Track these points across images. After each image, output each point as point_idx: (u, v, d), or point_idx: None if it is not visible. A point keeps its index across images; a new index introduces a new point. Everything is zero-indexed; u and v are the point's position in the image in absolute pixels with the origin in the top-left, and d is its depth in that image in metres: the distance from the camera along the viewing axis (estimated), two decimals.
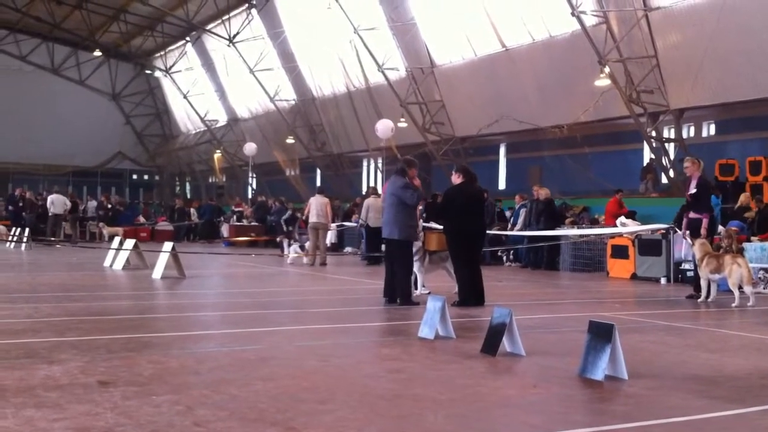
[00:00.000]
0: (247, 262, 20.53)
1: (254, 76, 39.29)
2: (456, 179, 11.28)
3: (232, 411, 4.76)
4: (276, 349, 7.21)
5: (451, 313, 8.12)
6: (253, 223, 30.34)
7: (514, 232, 19.67)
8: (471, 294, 10.73)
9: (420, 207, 11.69)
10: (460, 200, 10.98)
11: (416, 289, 11.79)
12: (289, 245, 20.98)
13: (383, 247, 11.52)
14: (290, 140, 39.48)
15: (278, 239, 22.78)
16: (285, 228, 24.17)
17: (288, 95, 39.29)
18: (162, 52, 49.08)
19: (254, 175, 43.76)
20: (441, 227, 12.25)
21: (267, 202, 31.28)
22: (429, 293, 11.11)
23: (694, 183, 12.31)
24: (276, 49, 38.14)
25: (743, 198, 16.65)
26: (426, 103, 30.47)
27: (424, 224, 14.23)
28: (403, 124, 29.70)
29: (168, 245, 15.36)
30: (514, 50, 26.39)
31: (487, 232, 12.26)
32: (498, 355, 6.80)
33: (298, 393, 5.32)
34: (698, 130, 24.38)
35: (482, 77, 27.83)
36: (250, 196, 40.28)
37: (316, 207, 19.25)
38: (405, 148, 30.61)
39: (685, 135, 23.92)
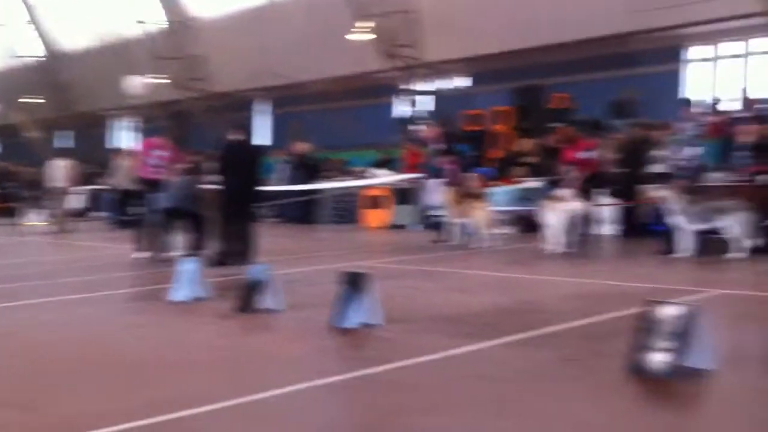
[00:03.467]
0: None
1: None
2: (231, 136, 11.07)
3: None
4: (17, 325, 6.71)
5: (208, 273, 7.96)
6: None
7: (276, 188, 19.65)
8: (230, 252, 10.58)
9: None
10: (233, 156, 10.80)
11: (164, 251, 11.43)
12: (33, 212, 19.54)
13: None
14: (33, 99, 36.64)
15: (17, 206, 21.08)
16: (25, 194, 22.35)
17: (32, 51, 36.36)
18: None
19: None
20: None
21: (8, 167, 28.84)
22: (184, 254, 10.81)
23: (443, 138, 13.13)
24: None
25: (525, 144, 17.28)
26: (184, 57, 29.49)
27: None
28: (159, 80, 28.58)
29: None
30: (275, 4, 26.14)
31: (261, 189, 12.13)
32: (256, 312, 6.77)
33: (40, 370, 5.00)
34: (452, 83, 25.47)
35: (243, 31, 27.30)
36: None
37: (56, 170, 18.07)
38: (162, 105, 29.47)
39: (439, 87, 24.92)
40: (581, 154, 11.33)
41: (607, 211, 12.98)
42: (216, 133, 29.50)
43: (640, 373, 4.52)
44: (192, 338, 5.95)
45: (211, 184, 11.62)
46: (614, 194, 12.94)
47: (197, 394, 4.43)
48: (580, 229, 11.67)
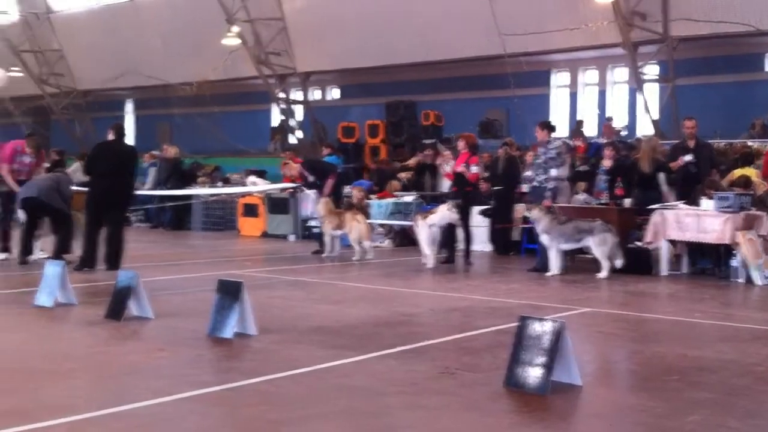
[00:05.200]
0: None
1: None
2: (108, 136, 10.64)
3: None
4: None
5: (74, 279, 7.60)
6: None
7: (144, 192, 19.03)
8: (93, 257, 10.11)
9: None
10: (108, 157, 10.36)
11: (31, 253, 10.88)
12: None
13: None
14: None
15: None
16: None
17: None
18: None
19: None
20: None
21: None
22: (48, 257, 10.29)
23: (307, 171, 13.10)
24: None
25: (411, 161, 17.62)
26: (42, 51, 28.19)
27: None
28: (17, 74, 27.25)
29: None
30: (139, 2, 25.39)
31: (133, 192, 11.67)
32: (124, 319, 6.50)
33: None
34: (323, 94, 25.56)
35: (105, 28, 26.38)
36: None
37: None
38: (20, 100, 28.09)
39: (311, 98, 24.94)
40: (472, 168, 11.54)
41: (481, 227, 13.28)
42: (80, 132, 28.64)
43: (514, 388, 4.61)
44: (55, 345, 5.64)
45: (79, 185, 11.14)
46: (487, 212, 13.26)
47: (56, 404, 4.20)
48: (455, 244, 11.90)
